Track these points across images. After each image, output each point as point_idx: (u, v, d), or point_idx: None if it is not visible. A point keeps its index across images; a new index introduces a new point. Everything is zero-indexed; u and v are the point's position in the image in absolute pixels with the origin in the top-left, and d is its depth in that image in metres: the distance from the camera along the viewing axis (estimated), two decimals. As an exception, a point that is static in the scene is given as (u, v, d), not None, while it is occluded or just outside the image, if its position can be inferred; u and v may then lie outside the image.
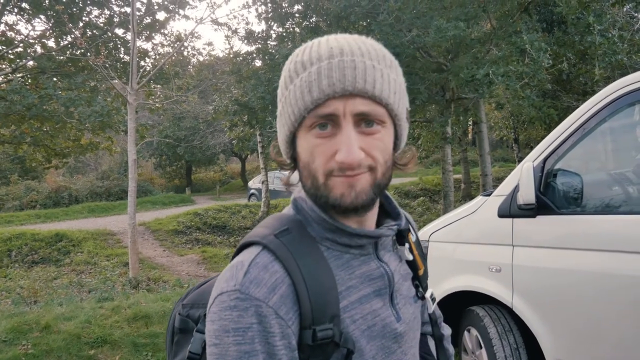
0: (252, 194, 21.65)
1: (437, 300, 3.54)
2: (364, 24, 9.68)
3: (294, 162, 0.94)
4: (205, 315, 0.94)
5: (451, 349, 1.29)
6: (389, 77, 0.87)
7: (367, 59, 0.85)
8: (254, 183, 21.90)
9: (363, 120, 0.85)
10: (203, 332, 0.98)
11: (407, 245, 1.05)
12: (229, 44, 17.29)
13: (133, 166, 8.45)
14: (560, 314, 2.91)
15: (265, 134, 10.13)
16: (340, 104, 0.83)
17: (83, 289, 8.61)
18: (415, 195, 17.97)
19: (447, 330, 1.31)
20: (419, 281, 1.08)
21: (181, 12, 11.08)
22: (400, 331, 0.97)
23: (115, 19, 11.38)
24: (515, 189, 3.08)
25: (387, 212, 1.04)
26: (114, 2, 11.57)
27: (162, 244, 13.16)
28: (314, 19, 10.12)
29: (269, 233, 0.90)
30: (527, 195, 2.92)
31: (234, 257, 0.92)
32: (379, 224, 1.01)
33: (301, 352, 0.84)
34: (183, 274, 9.84)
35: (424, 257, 1.12)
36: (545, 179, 3.01)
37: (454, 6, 8.38)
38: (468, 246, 3.46)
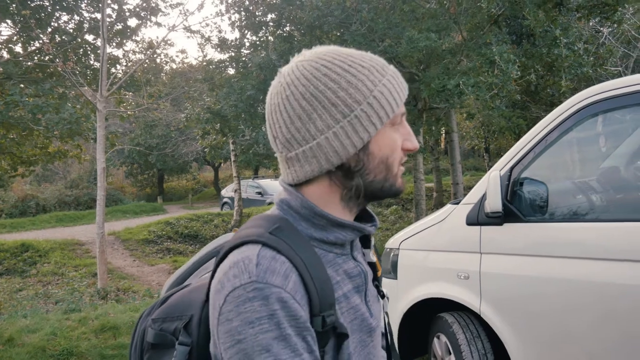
0: (225, 203, 21.50)
1: (409, 306, 3.56)
2: (337, 33, 9.75)
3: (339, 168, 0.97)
4: (183, 327, 0.97)
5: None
6: None
7: None
8: (227, 192, 21.74)
9: None
10: (186, 345, 0.97)
11: (372, 247, 1.12)
12: (202, 51, 17.27)
13: (102, 175, 8.33)
14: (527, 320, 2.96)
15: (239, 142, 10.09)
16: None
17: (49, 300, 8.41)
18: (388, 204, 18.08)
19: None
20: (378, 281, 1.14)
21: (153, 19, 10.98)
22: (374, 326, 1.02)
23: (85, 25, 11.22)
24: (483, 198, 3.12)
25: (359, 215, 1.09)
26: (84, 8, 11.41)
27: (132, 253, 12.96)
28: (287, 28, 10.15)
29: (263, 231, 0.91)
30: (494, 203, 2.96)
31: (222, 259, 0.92)
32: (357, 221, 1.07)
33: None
34: (154, 284, 9.70)
35: (380, 259, 1.19)
36: (512, 188, 3.06)
37: (426, 17, 8.49)
38: (437, 254, 3.49)
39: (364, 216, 1.09)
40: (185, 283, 1.16)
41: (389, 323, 1.24)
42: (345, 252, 1.01)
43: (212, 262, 1.18)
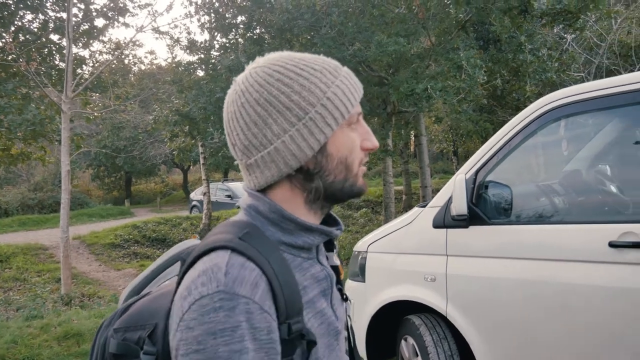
0: (194, 206, 21.27)
1: (377, 309, 3.58)
2: (307, 37, 9.76)
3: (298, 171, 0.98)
4: (148, 336, 0.95)
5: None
6: None
7: None
8: (196, 195, 21.50)
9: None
10: (151, 354, 0.95)
11: (335, 251, 1.12)
12: (172, 53, 17.05)
13: (66, 177, 8.15)
14: (492, 321, 3.00)
15: (208, 145, 9.99)
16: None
17: (10, 307, 8.17)
18: (357, 206, 18.14)
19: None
20: (341, 284, 1.14)
21: (121, 19, 10.82)
22: (340, 329, 1.03)
23: (50, 24, 10.98)
24: (449, 201, 3.16)
25: (324, 219, 1.09)
26: (49, 7, 11.17)
27: (98, 258, 12.71)
28: (258, 30, 10.11)
29: (232, 237, 0.91)
30: (460, 206, 3.00)
31: (190, 266, 0.90)
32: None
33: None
34: (119, 289, 9.53)
35: (342, 262, 1.19)
36: (477, 191, 3.10)
37: (395, 22, 8.57)
38: (405, 256, 3.51)
39: (328, 220, 1.10)
40: (145, 292, 1.14)
41: (351, 326, 1.24)
42: (312, 256, 1.01)
43: (172, 269, 1.17)
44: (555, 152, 3.78)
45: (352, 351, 1.23)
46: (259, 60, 0.99)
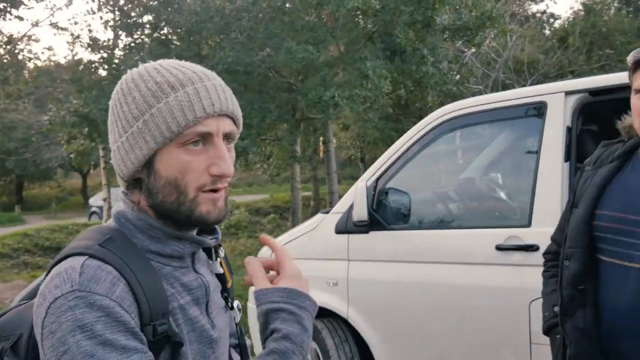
0: (94, 212, 20.23)
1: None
2: (217, 39, 9.65)
3: (135, 183, 0.96)
4: (11, 347, 0.92)
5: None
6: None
7: (221, 82, 0.96)
8: (96, 200, 20.47)
9: (227, 138, 0.96)
10: None
11: (218, 259, 1.10)
12: (72, 50, 16.14)
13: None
14: (390, 323, 3.12)
15: (109, 149, 9.60)
16: (214, 122, 0.92)
17: None
18: (266, 212, 18.10)
19: (247, 341, 1.36)
20: (228, 293, 1.13)
21: (14, 11, 10.18)
22: (215, 338, 1.02)
23: None
24: (351, 207, 3.24)
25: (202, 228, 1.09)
26: None
27: (-17, 268, 11.79)
28: (165, 31, 9.86)
29: (92, 243, 0.89)
30: (361, 212, 3.10)
31: (47, 273, 0.89)
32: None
33: None
34: (7, 302, 8.88)
35: (231, 270, 1.19)
36: (378, 197, 3.22)
37: (305, 30, 8.68)
38: (308, 262, 3.56)
39: (207, 229, 1.08)
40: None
41: (242, 333, 1.24)
42: (185, 264, 1.00)
43: None
44: (451, 161, 4.00)
45: (243, 358, 1.24)
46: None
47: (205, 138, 0.92)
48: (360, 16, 8.65)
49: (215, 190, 0.94)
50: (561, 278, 1.83)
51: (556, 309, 1.87)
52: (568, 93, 2.79)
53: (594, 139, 2.93)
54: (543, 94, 2.87)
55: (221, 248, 1.14)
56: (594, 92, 2.77)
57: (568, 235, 1.83)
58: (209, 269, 1.09)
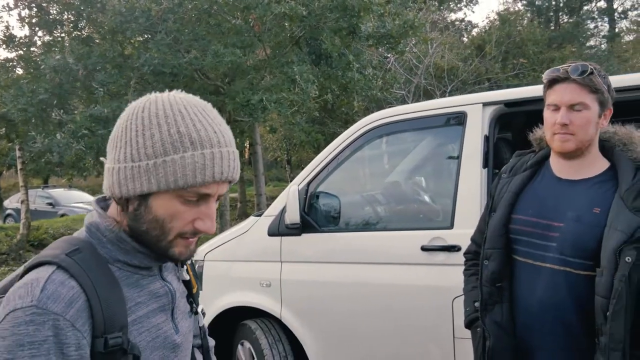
0: (9, 215, 19.17)
1: (213, 316, 3.62)
2: (141, 39, 9.43)
3: (126, 202, 1.00)
4: None
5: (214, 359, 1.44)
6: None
7: (234, 148, 1.03)
8: (11, 202, 19.42)
9: (217, 198, 1.03)
10: None
11: (184, 267, 1.19)
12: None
13: None
14: (322, 322, 3.23)
15: (27, 149, 9.14)
16: (216, 187, 0.99)
17: None
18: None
19: (211, 342, 1.43)
20: (193, 298, 1.21)
21: None
22: (178, 342, 1.09)
23: None
24: (283, 210, 3.33)
25: None
26: None
27: None
28: (86, 30, 9.51)
29: (60, 253, 0.96)
30: (293, 215, 3.19)
31: (21, 277, 0.95)
32: None
33: (93, 358, 0.91)
34: None
35: (197, 276, 1.27)
36: (309, 201, 3.32)
37: (231, 33, 8.65)
38: (242, 264, 3.62)
39: None
40: None
41: (205, 335, 1.32)
42: (152, 273, 1.08)
43: None
44: (378, 165, 4.17)
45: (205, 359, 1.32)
46: (171, 95, 1.01)
47: (202, 197, 1.00)
48: (286, 21, 8.73)
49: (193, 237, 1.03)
50: (481, 276, 1.99)
51: (477, 304, 2.03)
52: (486, 104, 2.96)
53: (509, 147, 3.17)
54: (463, 105, 3.03)
55: None
56: (508, 103, 2.95)
57: (487, 237, 2.00)
58: (176, 276, 1.16)
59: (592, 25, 27.35)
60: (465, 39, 20.61)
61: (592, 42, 26.37)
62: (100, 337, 0.92)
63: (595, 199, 1.81)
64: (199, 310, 1.25)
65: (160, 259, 1.06)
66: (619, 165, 1.83)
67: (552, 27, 25.10)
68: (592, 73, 1.76)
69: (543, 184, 1.96)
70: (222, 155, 0.98)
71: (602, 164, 1.88)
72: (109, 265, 1.01)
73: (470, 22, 25.63)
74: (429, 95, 12.82)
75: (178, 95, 1.02)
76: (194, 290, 1.23)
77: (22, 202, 12.23)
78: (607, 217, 1.74)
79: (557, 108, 1.79)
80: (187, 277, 1.20)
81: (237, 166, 1.03)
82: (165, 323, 1.07)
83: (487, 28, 19.15)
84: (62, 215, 16.81)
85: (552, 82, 1.81)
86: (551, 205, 1.88)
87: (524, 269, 1.90)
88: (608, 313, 1.67)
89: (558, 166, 1.93)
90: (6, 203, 20.44)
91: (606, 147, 1.89)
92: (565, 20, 26.63)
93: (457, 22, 22.29)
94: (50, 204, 18.47)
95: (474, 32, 21.97)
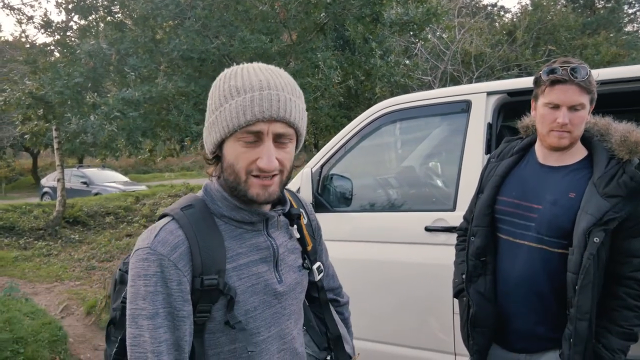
0: (46, 193, 19.77)
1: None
2: (172, 24, 9.66)
3: (216, 159, 1.23)
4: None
5: (347, 313, 1.72)
6: (299, 107, 1.18)
7: (287, 93, 1.15)
8: (48, 181, 19.95)
9: (279, 137, 1.16)
10: None
11: (295, 226, 1.37)
12: (21, 27, 15.52)
13: None
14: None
15: (63, 130, 9.51)
16: (265, 125, 1.13)
17: None
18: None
19: (345, 297, 1.72)
20: (307, 255, 1.39)
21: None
22: (281, 291, 1.26)
23: None
24: (298, 191, 3.54)
25: (279, 199, 1.32)
26: None
27: None
28: (119, 15, 9.78)
29: (177, 207, 1.21)
30: (306, 196, 3.37)
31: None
32: (273, 206, 1.31)
33: (193, 294, 1.15)
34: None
35: (313, 236, 1.46)
36: (322, 182, 3.51)
37: (258, 19, 8.80)
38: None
39: (281, 200, 1.34)
40: None
41: (321, 289, 1.48)
42: (256, 228, 1.26)
43: None
44: (391, 150, 4.33)
45: (324, 310, 1.50)
46: (246, 64, 1.22)
47: (259, 136, 1.14)
48: (312, 8, 8.83)
49: (266, 177, 1.16)
50: (468, 251, 2.19)
51: (464, 276, 2.23)
52: (490, 93, 3.09)
53: (512, 135, 3.30)
54: (468, 94, 3.16)
55: (304, 216, 1.43)
56: (512, 93, 3.08)
57: (474, 216, 2.19)
58: (288, 234, 1.35)
59: (630, 11, 26.57)
60: (497, 25, 20.30)
61: (629, 28, 25.63)
62: (198, 277, 1.13)
63: (571, 184, 1.98)
64: (314, 267, 1.40)
65: (253, 212, 1.22)
66: (595, 154, 1.99)
67: (588, 13, 24.46)
68: (589, 74, 1.89)
69: (527, 169, 2.13)
70: (262, 96, 1.12)
71: (581, 153, 2.04)
72: (216, 219, 1.21)
73: (502, 7, 25.20)
74: (455, 82, 12.73)
75: (251, 64, 1.21)
76: (309, 248, 1.39)
77: (58, 180, 12.68)
78: (580, 201, 1.91)
79: (556, 106, 1.92)
80: (298, 235, 1.36)
81: (284, 106, 1.13)
82: (267, 273, 1.23)
83: (518, 13, 18.81)
84: (96, 194, 17.26)
85: (554, 83, 1.92)
86: (533, 189, 2.05)
87: (506, 246, 2.09)
88: (576, 287, 1.85)
89: (542, 153, 2.10)
90: (43, 181, 21.06)
91: (586, 137, 2.05)
92: (602, 5, 25.91)
93: (489, 7, 21.93)
94: (84, 182, 19.06)
95: (507, 17, 21.59)
